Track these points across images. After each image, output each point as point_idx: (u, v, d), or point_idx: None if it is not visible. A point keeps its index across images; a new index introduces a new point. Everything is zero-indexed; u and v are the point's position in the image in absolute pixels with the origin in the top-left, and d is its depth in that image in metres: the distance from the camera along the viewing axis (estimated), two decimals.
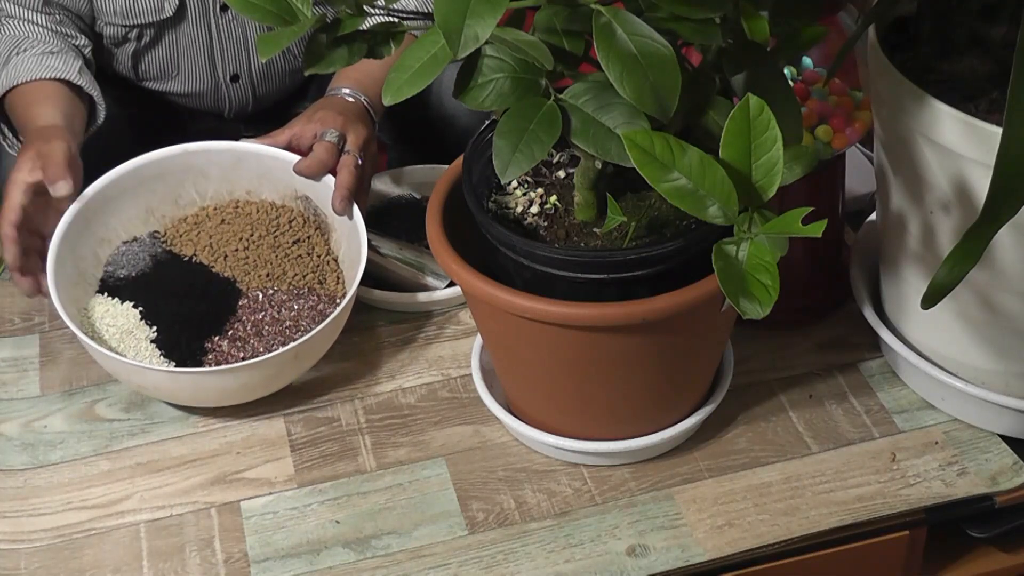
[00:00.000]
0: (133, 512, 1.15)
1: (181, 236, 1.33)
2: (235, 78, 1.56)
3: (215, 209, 1.35)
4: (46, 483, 1.19)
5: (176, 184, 1.34)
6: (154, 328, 1.24)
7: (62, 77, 1.36)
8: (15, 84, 1.36)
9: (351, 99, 1.38)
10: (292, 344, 1.17)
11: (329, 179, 1.29)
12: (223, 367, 1.18)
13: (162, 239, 1.33)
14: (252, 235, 1.32)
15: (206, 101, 1.58)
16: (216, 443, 1.22)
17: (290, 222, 1.33)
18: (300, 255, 1.31)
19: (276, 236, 1.32)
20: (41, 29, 1.43)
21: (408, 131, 1.62)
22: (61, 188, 1.23)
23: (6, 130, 1.42)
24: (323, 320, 1.21)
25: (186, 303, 1.26)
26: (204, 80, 1.55)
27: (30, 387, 1.29)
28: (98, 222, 1.30)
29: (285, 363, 1.19)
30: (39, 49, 1.39)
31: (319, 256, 1.31)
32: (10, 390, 1.29)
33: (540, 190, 1.09)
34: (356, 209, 1.27)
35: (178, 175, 1.34)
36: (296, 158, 1.31)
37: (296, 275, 1.29)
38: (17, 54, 1.38)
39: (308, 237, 1.32)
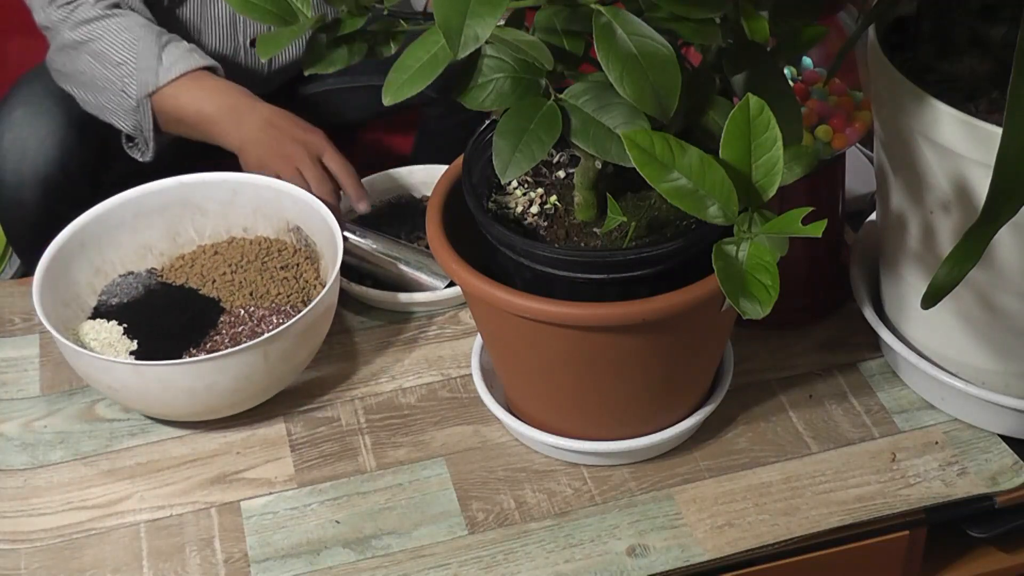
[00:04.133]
0: (133, 512, 1.15)
1: (176, 271, 1.35)
2: (255, 42, 1.57)
3: (211, 246, 1.36)
4: (46, 483, 1.19)
5: (174, 220, 1.35)
6: (135, 341, 1.24)
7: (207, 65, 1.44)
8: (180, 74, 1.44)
9: None
10: (258, 339, 1.15)
11: (319, 208, 1.30)
12: (184, 360, 1.16)
13: (159, 274, 1.34)
14: (241, 260, 1.34)
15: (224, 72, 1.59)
16: (216, 443, 1.22)
17: (280, 251, 1.34)
18: (286, 278, 1.31)
19: (264, 261, 1.33)
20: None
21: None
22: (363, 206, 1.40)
23: (147, 130, 1.43)
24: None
25: (167, 317, 1.27)
26: (225, 43, 1.55)
27: (30, 387, 1.29)
28: (94, 250, 1.30)
29: (253, 363, 1.16)
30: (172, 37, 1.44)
31: (307, 281, 1.31)
32: (10, 390, 1.29)
33: (540, 190, 1.09)
34: (328, 212, 1.29)
35: (176, 210, 1.35)
36: (289, 187, 1.33)
37: (280, 294, 1.30)
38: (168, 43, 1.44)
39: (297, 264, 1.33)
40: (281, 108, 1.43)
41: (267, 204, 1.34)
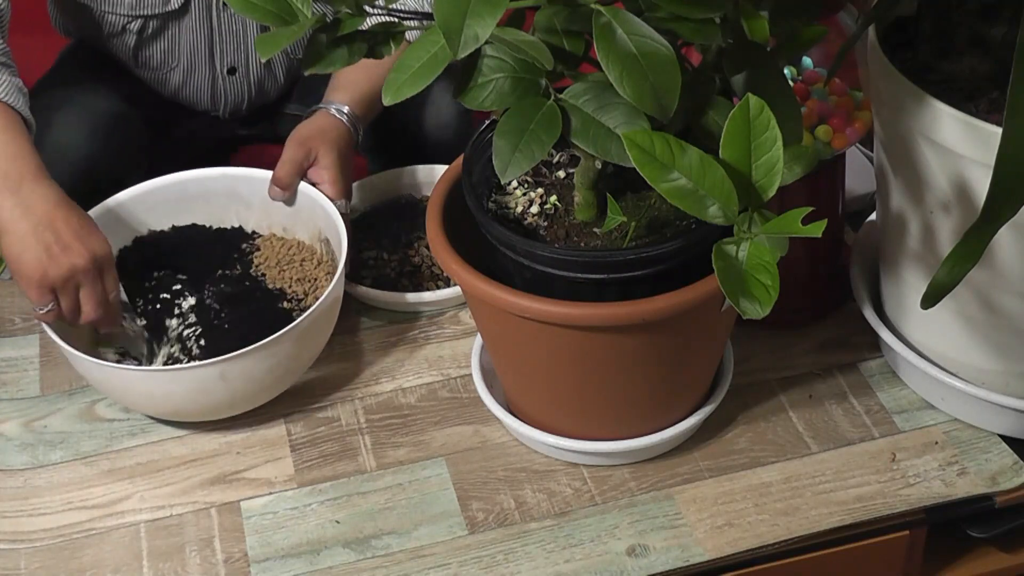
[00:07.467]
0: (133, 512, 1.15)
1: None
2: (232, 71, 1.56)
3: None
4: (46, 483, 1.19)
5: (220, 208, 1.37)
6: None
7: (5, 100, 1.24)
8: None
9: (336, 116, 1.39)
10: (217, 359, 1.14)
11: (341, 227, 1.28)
12: (141, 368, 1.18)
13: None
14: (265, 262, 1.33)
15: (202, 95, 1.59)
16: (216, 443, 1.22)
17: (302, 262, 1.33)
18: (296, 293, 1.30)
19: (282, 270, 1.33)
20: None
21: (385, 141, 1.62)
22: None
23: None
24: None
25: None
26: (202, 72, 1.56)
27: (30, 387, 1.29)
28: (136, 222, 1.33)
29: (208, 379, 1.15)
30: None
31: (316, 298, 1.29)
32: (10, 390, 1.29)
33: (540, 190, 1.09)
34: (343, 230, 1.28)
35: (222, 199, 1.36)
36: (321, 198, 1.31)
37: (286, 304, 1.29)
38: None
39: (315, 279, 1.32)
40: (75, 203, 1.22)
41: (304, 209, 1.34)
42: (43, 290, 1.18)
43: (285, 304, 1.28)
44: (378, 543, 1.11)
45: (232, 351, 1.14)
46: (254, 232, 1.37)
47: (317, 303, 1.19)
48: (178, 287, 1.30)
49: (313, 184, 1.34)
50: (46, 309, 1.18)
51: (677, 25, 0.90)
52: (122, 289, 1.24)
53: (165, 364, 1.24)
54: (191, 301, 1.28)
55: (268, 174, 1.34)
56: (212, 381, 1.15)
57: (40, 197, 1.19)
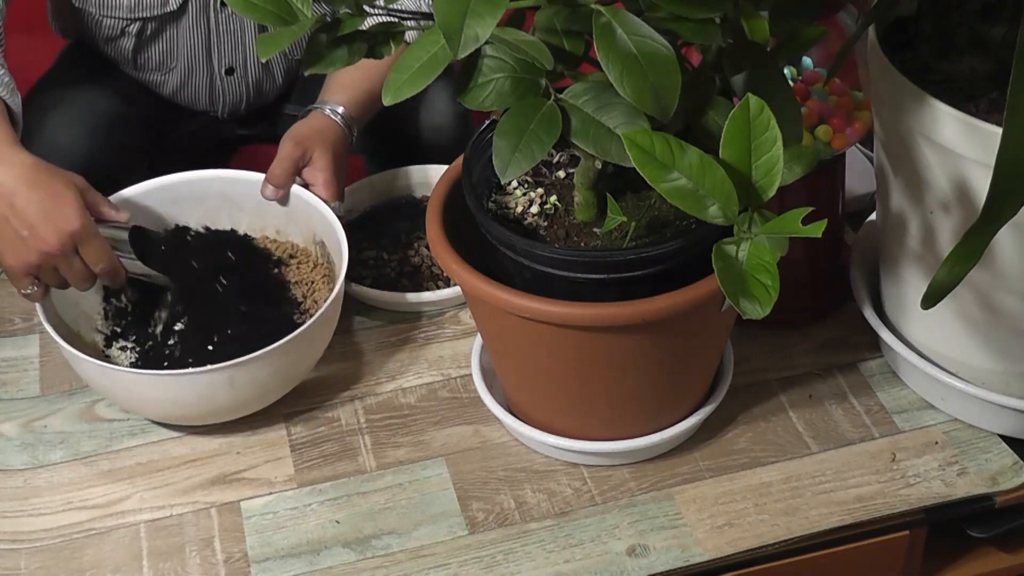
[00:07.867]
0: (133, 512, 1.15)
1: None
2: (230, 71, 1.57)
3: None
4: (46, 483, 1.19)
5: (212, 209, 1.35)
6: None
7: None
8: None
9: (332, 118, 1.39)
10: (224, 364, 1.13)
11: (338, 228, 1.27)
12: (143, 371, 1.17)
13: None
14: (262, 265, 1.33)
15: (201, 96, 1.59)
16: (216, 443, 1.22)
17: (298, 265, 1.33)
18: (294, 296, 1.30)
19: (279, 271, 1.32)
20: None
21: (383, 141, 1.62)
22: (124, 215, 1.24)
23: None
24: None
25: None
26: (200, 72, 1.56)
27: (30, 387, 1.29)
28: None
29: (216, 384, 1.15)
30: None
31: (314, 301, 1.30)
32: (10, 390, 1.29)
33: (540, 190, 1.09)
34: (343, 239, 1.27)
35: (214, 200, 1.35)
36: (315, 200, 1.31)
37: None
38: None
39: (312, 281, 1.31)
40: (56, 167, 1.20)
41: (298, 212, 1.34)
42: (18, 277, 1.18)
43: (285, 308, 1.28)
44: (378, 543, 1.11)
45: (236, 356, 1.14)
46: (246, 235, 1.36)
47: (325, 304, 1.18)
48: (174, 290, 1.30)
49: (306, 185, 1.33)
50: (29, 292, 1.18)
51: (677, 25, 0.90)
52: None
53: (166, 341, 1.24)
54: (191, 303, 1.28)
55: (260, 177, 1.34)
56: (221, 386, 1.15)
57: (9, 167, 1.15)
